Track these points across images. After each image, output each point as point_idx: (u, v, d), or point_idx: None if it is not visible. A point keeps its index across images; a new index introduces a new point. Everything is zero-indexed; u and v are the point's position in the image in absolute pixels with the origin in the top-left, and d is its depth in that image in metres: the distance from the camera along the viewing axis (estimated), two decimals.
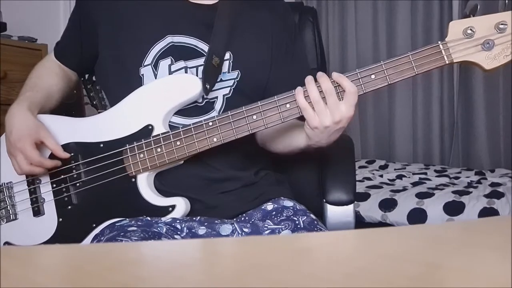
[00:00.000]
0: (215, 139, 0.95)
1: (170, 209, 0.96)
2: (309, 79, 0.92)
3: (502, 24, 0.88)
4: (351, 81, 0.90)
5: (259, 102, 0.94)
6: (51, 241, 1.01)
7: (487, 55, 0.90)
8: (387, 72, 0.91)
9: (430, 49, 0.91)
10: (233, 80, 1.02)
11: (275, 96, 0.93)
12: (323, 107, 0.90)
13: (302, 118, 0.94)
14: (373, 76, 0.91)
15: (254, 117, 0.94)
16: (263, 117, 0.93)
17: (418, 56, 0.91)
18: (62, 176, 1.02)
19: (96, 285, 0.30)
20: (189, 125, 0.96)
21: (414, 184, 2.67)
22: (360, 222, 2.30)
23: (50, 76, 1.12)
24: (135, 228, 0.91)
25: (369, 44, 3.71)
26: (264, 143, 1.11)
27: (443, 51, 0.91)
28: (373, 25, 3.72)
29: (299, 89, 0.92)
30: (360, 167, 3.18)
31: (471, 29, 0.90)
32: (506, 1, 0.90)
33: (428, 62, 0.91)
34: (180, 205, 0.97)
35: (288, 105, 0.93)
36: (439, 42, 0.91)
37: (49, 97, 1.09)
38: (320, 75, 0.91)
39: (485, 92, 3.30)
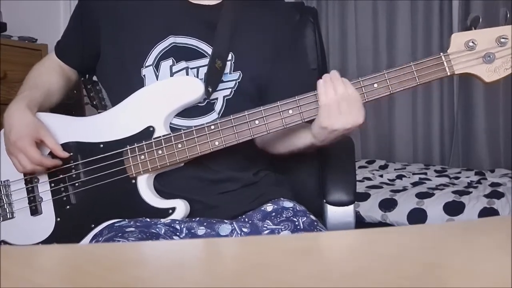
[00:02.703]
0: (217, 143, 0.95)
1: (170, 211, 0.96)
2: (327, 79, 0.92)
3: (503, 38, 0.90)
4: (355, 88, 0.92)
5: (261, 107, 0.94)
6: (49, 240, 1.01)
7: (487, 67, 0.92)
8: (389, 81, 0.93)
9: (432, 60, 0.93)
10: (234, 81, 1.02)
11: (278, 102, 0.94)
12: (338, 110, 0.91)
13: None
14: (375, 85, 0.93)
15: (257, 122, 0.94)
16: (266, 123, 0.94)
17: (420, 67, 0.93)
18: (61, 176, 1.01)
19: (96, 285, 0.30)
20: (191, 127, 0.96)
21: (414, 184, 2.67)
22: (360, 222, 2.30)
23: (49, 74, 1.11)
24: (133, 229, 0.91)
25: (369, 45, 3.71)
26: (264, 145, 1.11)
27: (445, 62, 0.92)
28: (373, 26, 3.71)
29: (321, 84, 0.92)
30: (360, 167, 3.18)
31: (472, 42, 0.91)
32: (508, 16, 0.90)
33: (430, 73, 0.93)
34: (180, 208, 0.96)
35: (290, 111, 0.94)
36: (441, 53, 0.93)
37: (49, 95, 1.08)
38: (334, 76, 0.92)
39: (485, 92, 3.29)
